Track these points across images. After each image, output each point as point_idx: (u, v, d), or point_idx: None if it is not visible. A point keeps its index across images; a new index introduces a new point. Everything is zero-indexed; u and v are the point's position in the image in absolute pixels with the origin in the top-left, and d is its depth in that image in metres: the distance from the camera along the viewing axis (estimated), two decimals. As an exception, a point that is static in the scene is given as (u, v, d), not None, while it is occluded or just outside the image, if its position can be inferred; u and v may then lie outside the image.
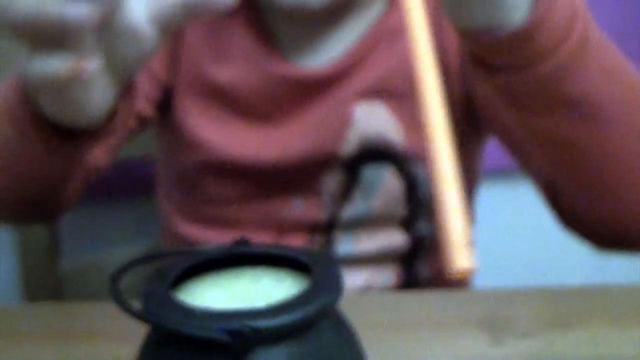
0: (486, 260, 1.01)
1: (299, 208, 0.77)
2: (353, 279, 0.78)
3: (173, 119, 0.80)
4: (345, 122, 0.75)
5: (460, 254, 0.30)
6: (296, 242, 0.78)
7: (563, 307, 0.60)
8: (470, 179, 0.83)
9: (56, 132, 0.57)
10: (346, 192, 0.77)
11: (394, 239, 0.79)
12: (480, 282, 0.92)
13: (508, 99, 0.58)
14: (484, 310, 0.60)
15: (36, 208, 0.70)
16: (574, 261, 1.33)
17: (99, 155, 0.72)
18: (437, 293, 0.65)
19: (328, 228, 0.78)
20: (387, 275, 0.80)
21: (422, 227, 0.79)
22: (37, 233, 1.08)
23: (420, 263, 0.81)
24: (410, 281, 0.81)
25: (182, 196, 0.84)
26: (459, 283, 0.88)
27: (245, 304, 0.41)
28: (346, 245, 0.78)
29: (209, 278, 0.44)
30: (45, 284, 1.13)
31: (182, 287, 0.43)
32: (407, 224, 0.79)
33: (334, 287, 0.41)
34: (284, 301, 0.38)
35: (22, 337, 0.61)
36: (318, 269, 0.42)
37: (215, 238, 0.81)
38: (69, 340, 0.59)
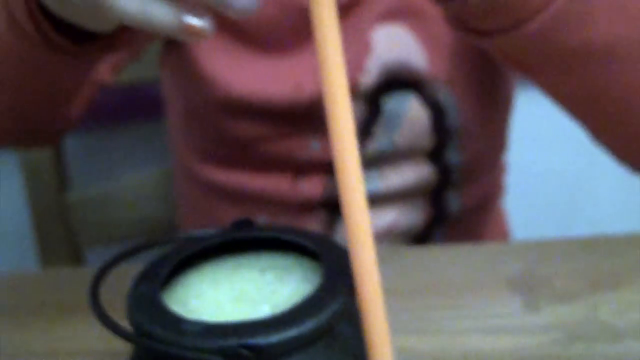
0: (519, 172, 0.95)
1: (316, 148, 0.71)
2: (379, 219, 0.73)
3: (181, 48, 0.73)
4: (363, 49, 0.68)
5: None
6: (315, 184, 0.72)
7: (609, 262, 0.54)
8: (503, 106, 0.77)
9: (61, 34, 0.50)
10: (367, 127, 0.71)
11: (422, 171, 0.73)
12: (513, 202, 0.86)
13: (505, 57, 0.54)
14: (517, 267, 0.54)
15: (40, 128, 0.66)
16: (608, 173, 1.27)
17: (103, 69, 0.67)
18: (462, 247, 0.60)
19: None
20: (415, 211, 0.74)
21: (451, 156, 0.73)
22: (44, 165, 1.04)
23: (450, 194, 0.75)
24: (439, 216, 0.76)
25: (193, 133, 0.78)
26: (491, 213, 0.83)
27: (248, 304, 0.36)
28: (370, 183, 0.72)
29: (208, 269, 0.39)
30: (54, 216, 1.10)
31: (178, 282, 0.38)
32: (434, 154, 0.73)
33: (349, 281, 0.35)
34: (291, 309, 0.33)
35: (42, 306, 0.57)
36: (329, 257, 0.37)
37: (229, 179, 0.76)
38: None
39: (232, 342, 0.31)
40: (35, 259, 1.17)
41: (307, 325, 0.32)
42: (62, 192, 1.06)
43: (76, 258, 1.14)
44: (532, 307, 0.50)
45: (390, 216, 0.74)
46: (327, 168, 0.72)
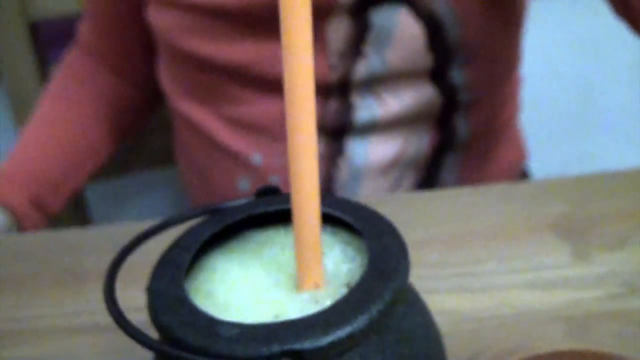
0: (533, 85, 0.90)
1: None
2: (384, 149, 0.68)
3: None
4: None
5: (311, 272, 0.31)
6: None
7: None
8: (513, 18, 0.70)
9: None
10: (356, 45, 0.65)
11: (423, 94, 0.67)
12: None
13: None
14: (560, 210, 0.50)
15: None
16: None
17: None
18: (495, 187, 0.55)
19: (341, 92, 0.66)
20: (421, 138, 0.69)
21: (455, 75, 0.67)
22: (31, 97, 0.99)
23: (457, 117, 0.70)
24: (447, 142, 0.71)
25: (169, 59, 0.73)
26: (505, 132, 0.78)
27: (283, 291, 0.32)
28: (367, 109, 0.67)
29: (234, 247, 0.35)
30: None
31: (201, 266, 0.34)
32: (436, 74, 0.67)
33: (400, 264, 0.31)
34: (338, 302, 0.29)
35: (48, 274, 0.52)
36: (371, 231, 0.32)
37: (211, 117, 0.71)
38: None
39: (275, 347, 0.27)
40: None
41: (360, 322, 0.28)
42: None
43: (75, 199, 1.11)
44: (582, 255, 0.46)
45: (396, 145, 0.69)
46: (319, 93, 0.67)
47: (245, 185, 0.71)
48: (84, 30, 0.79)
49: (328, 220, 0.34)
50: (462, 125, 0.70)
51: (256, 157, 0.70)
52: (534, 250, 0.47)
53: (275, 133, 0.68)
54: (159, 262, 0.33)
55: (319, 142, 0.68)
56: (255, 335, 0.28)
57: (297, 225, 0.31)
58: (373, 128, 0.67)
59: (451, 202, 0.53)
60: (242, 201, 0.35)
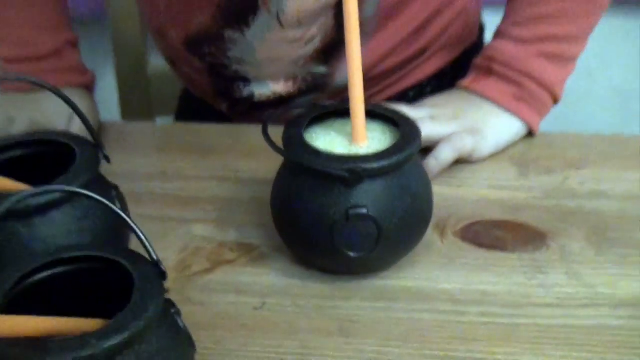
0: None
1: None
2: None
3: None
4: None
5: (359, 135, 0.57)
6: None
7: (579, 150, 0.78)
8: None
9: None
10: None
11: None
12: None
13: None
14: (517, 149, 0.78)
15: None
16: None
17: None
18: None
19: None
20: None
21: None
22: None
23: None
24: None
25: None
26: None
27: (349, 143, 0.59)
28: None
29: (326, 124, 0.62)
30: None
31: (308, 131, 0.61)
32: None
33: (416, 140, 0.58)
34: (384, 149, 0.56)
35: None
36: (403, 124, 0.60)
37: None
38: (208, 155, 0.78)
39: (349, 165, 0.55)
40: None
41: (392, 160, 0.55)
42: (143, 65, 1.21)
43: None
44: (523, 175, 0.74)
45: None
46: None
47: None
48: None
49: (382, 117, 0.62)
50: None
51: None
52: (494, 169, 0.75)
53: None
54: (287, 126, 0.60)
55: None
56: (339, 160, 0.55)
57: (352, 105, 0.57)
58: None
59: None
60: (336, 104, 0.63)
